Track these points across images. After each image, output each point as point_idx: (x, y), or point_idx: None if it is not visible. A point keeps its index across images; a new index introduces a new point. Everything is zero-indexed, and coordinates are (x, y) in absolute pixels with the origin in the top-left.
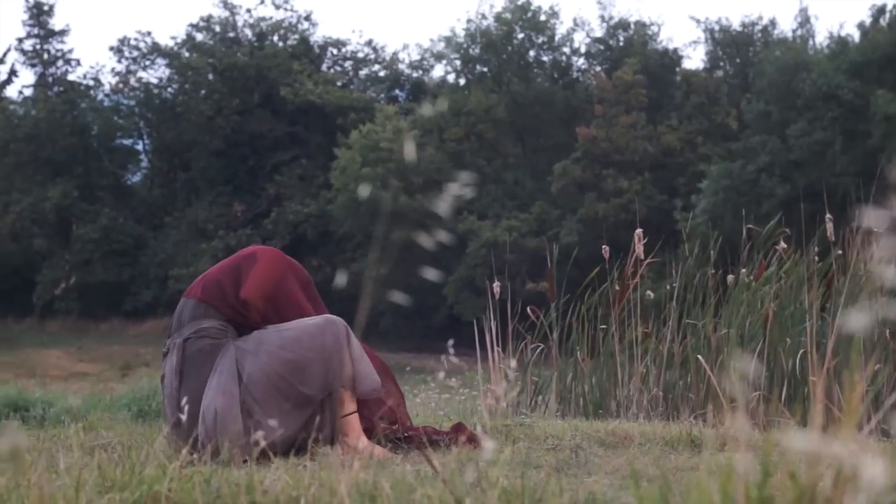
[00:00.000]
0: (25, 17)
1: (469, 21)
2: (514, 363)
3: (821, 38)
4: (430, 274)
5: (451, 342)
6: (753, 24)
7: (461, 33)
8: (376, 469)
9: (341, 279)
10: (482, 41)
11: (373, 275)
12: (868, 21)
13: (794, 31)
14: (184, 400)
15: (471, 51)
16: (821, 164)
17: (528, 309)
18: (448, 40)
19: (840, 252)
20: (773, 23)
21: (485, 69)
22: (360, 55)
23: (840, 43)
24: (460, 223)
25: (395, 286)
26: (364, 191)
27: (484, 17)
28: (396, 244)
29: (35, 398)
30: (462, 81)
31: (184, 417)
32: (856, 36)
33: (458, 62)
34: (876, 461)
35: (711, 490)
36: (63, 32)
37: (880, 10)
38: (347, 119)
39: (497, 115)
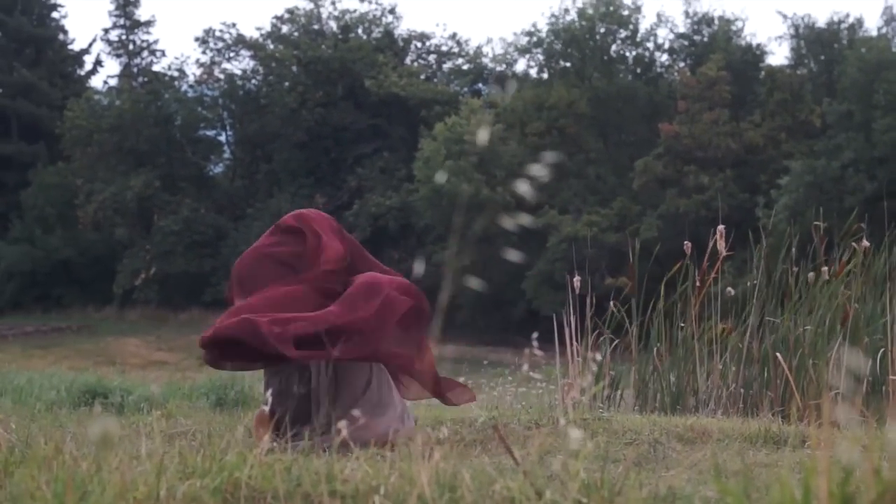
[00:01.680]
0: (112, 7)
1: (552, 16)
2: (598, 356)
3: None
4: (513, 255)
5: (535, 335)
6: (840, 21)
7: (544, 28)
8: (457, 460)
9: (419, 268)
10: (565, 36)
11: (453, 265)
12: None
13: (879, 30)
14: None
15: (554, 45)
16: None
17: (612, 302)
18: (531, 35)
19: None
20: (859, 21)
21: (567, 64)
22: (444, 48)
23: None
24: (540, 217)
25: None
26: (441, 177)
27: (567, 11)
28: (476, 234)
29: (114, 385)
30: (545, 76)
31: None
32: None
33: (540, 57)
34: None
35: (793, 486)
36: (148, 23)
37: None
38: (431, 112)
39: (579, 109)
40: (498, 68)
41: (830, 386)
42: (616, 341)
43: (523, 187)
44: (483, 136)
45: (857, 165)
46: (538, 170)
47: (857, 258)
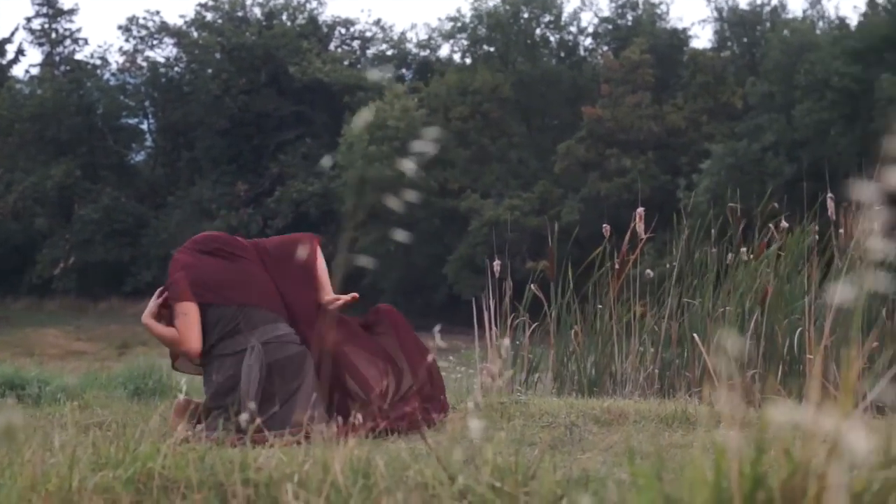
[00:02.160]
0: None
1: (476, 0)
2: (507, 342)
3: (829, 19)
4: (400, 235)
5: (437, 328)
6: (762, 4)
7: (468, 13)
8: (371, 446)
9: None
10: (489, 20)
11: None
12: (862, 3)
13: (804, 12)
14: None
15: (478, 30)
16: (824, 143)
17: (531, 286)
18: (455, 20)
19: (841, 231)
20: (781, 4)
21: (491, 49)
22: (368, 34)
23: (840, 27)
24: (462, 201)
25: (394, 264)
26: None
27: None
28: (387, 219)
29: (31, 376)
30: (468, 61)
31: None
32: (854, 20)
33: (464, 41)
34: (868, 437)
35: (705, 467)
36: (71, 12)
37: None
38: (355, 98)
39: (503, 94)
40: (422, 54)
41: (714, 367)
42: (535, 325)
43: (408, 164)
44: (366, 117)
45: (778, 148)
46: (422, 146)
47: (776, 239)
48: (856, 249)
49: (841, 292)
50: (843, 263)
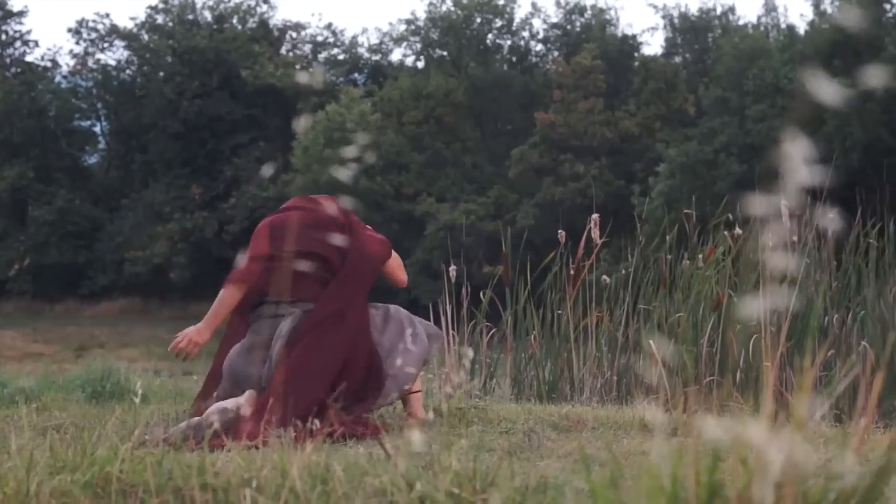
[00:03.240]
0: None
1: (430, 3)
2: (471, 352)
3: (779, 26)
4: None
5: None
6: (711, 10)
7: (422, 17)
8: (329, 451)
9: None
10: (442, 24)
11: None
12: (810, 10)
13: (758, 18)
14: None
15: (430, 34)
16: (776, 148)
17: (484, 291)
18: (409, 23)
19: (795, 239)
20: (731, 10)
21: (444, 53)
22: (320, 38)
23: (788, 34)
24: (418, 205)
25: None
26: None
27: (444, 0)
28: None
29: None
30: (421, 65)
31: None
32: (802, 28)
33: (418, 45)
34: (824, 447)
35: (662, 475)
36: (21, 13)
37: None
38: (308, 102)
39: (456, 98)
40: (374, 58)
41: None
42: (493, 330)
43: (342, 172)
44: (362, 137)
45: (730, 149)
46: (354, 151)
47: (726, 245)
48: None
49: (747, 307)
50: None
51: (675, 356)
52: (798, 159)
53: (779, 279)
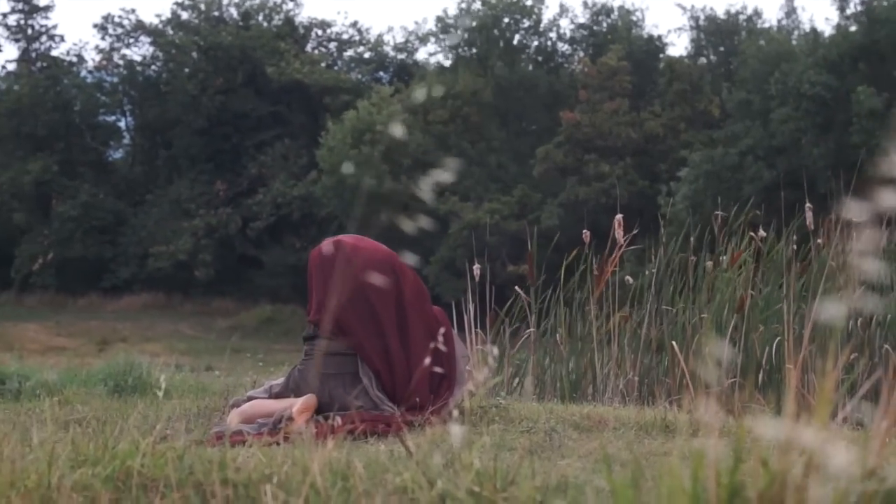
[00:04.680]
0: None
1: (461, 3)
2: (495, 350)
3: (805, 29)
4: (410, 259)
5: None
6: (738, 13)
7: (452, 14)
8: (350, 448)
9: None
10: (472, 24)
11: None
12: (836, 14)
13: (779, 22)
14: None
15: (458, 33)
16: (800, 152)
17: (516, 287)
18: (440, 20)
19: (819, 241)
20: (757, 12)
21: (472, 51)
22: (345, 36)
23: (813, 39)
24: (442, 204)
25: None
26: (348, 168)
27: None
28: (377, 226)
29: (11, 371)
30: (448, 63)
31: None
32: (827, 31)
33: (447, 43)
34: (846, 450)
35: (683, 475)
36: (47, 8)
37: (842, 1)
38: (337, 100)
39: (483, 98)
40: (399, 57)
41: (697, 378)
42: (518, 328)
43: (425, 191)
44: (398, 129)
45: (756, 153)
46: (440, 175)
47: (752, 247)
48: (842, 268)
49: (828, 310)
50: (822, 275)
51: (729, 357)
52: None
53: (865, 284)
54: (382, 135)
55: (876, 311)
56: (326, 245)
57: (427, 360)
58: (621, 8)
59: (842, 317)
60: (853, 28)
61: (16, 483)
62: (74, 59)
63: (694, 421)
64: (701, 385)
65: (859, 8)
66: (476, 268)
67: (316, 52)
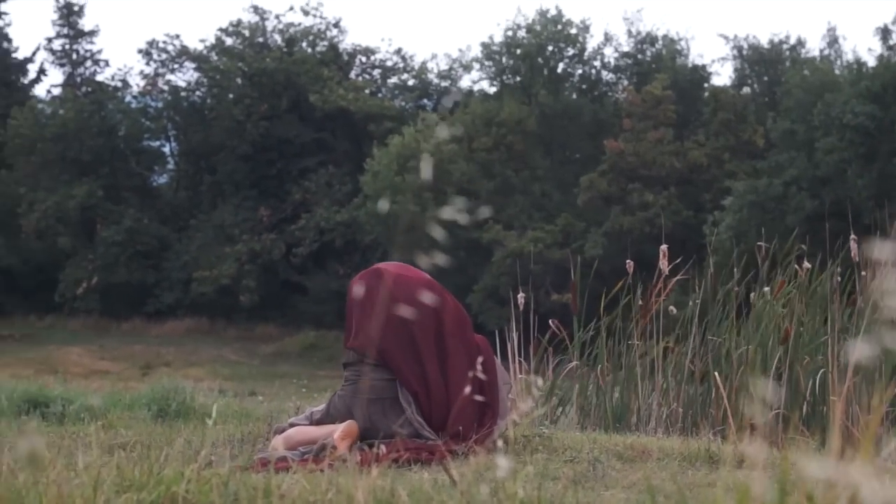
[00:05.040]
0: (55, 16)
1: (506, 30)
2: (540, 381)
3: (847, 59)
4: (440, 258)
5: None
6: (782, 42)
7: (498, 41)
8: (394, 476)
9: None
10: (516, 52)
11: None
12: (879, 44)
13: (821, 52)
14: None
15: (503, 60)
16: (845, 182)
17: (551, 322)
18: (485, 46)
19: (864, 274)
20: (801, 42)
21: (517, 79)
22: (389, 63)
23: (856, 69)
24: (485, 232)
25: None
26: (384, 205)
27: (519, 27)
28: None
29: (55, 395)
30: (492, 90)
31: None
32: (870, 62)
33: (491, 69)
34: (891, 486)
35: None
36: (92, 33)
37: (885, 31)
38: (381, 126)
39: (527, 126)
40: (443, 84)
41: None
42: (563, 359)
43: (437, 231)
44: (427, 169)
45: (800, 184)
46: (451, 213)
47: (798, 278)
48: (873, 306)
49: (860, 349)
50: (861, 316)
51: (774, 392)
52: None
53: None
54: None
55: None
56: (367, 273)
57: (467, 389)
58: (665, 37)
59: (873, 355)
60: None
61: None
62: (119, 84)
63: (738, 453)
64: (745, 418)
65: None
66: (520, 296)
67: (360, 78)
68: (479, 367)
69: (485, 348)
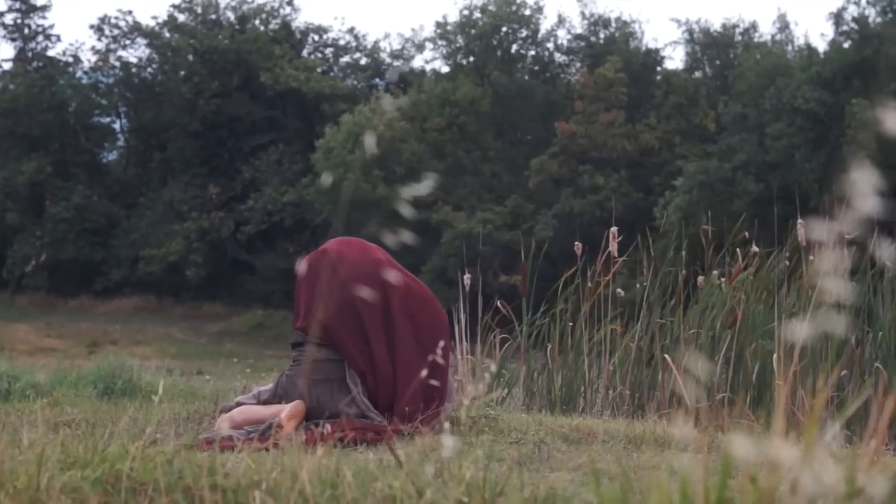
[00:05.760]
0: None
1: (462, 10)
2: (493, 365)
3: (799, 44)
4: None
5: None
6: (734, 26)
7: (452, 22)
8: (339, 456)
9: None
10: (470, 32)
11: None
12: (830, 29)
13: (773, 37)
14: None
15: (457, 40)
16: (793, 167)
17: (499, 301)
18: (440, 25)
19: (811, 258)
20: (753, 26)
21: (470, 59)
22: (342, 42)
23: (808, 55)
24: (434, 213)
25: None
26: (327, 179)
27: (475, 7)
28: (366, 234)
29: (1, 371)
30: (444, 70)
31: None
32: (822, 47)
33: (444, 50)
34: (834, 469)
35: (671, 490)
36: (44, 8)
37: (837, 16)
38: (333, 107)
39: (482, 107)
40: (395, 63)
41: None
42: (510, 340)
43: (404, 207)
44: (370, 144)
45: (749, 168)
46: (417, 190)
47: (750, 264)
48: (818, 290)
49: (799, 330)
50: (805, 297)
51: (709, 372)
52: (863, 188)
53: (832, 304)
54: (378, 140)
55: (840, 331)
56: (316, 253)
57: (424, 373)
58: (619, 20)
59: (812, 337)
60: (846, 45)
61: (5, 484)
62: (70, 60)
63: (684, 436)
64: (686, 400)
65: (853, 25)
66: (467, 277)
67: (312, 57)
68: (439, 350)
69: (443, 329)
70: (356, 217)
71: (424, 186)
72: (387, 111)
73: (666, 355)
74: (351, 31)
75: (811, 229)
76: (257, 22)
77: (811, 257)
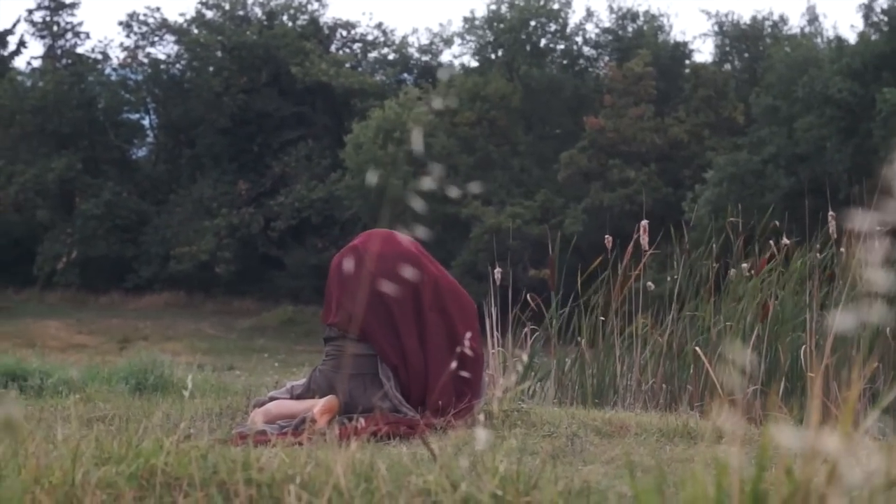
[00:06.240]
0: None
1: (489, 4)
2: (524, 356)
3: (828, 36)
4: (421, 231)
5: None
6: (764, 19)
7: (480, 17)
8: (373, 450)
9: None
10: (499, 26)
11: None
12: (860, 21)
13: (802, 29)
14: None
15: (487, 34)
16: (823, 159)
17: (528, 296)
18: (468, 21)
19: (842, 250)
20: (783, 18)
21: (499, 53)
22: (370, 37)
23: (837, 46)
24: (464, 207)
25: None
26: (372, 177)
27: (502, 1)
28: (399, 229)
29: (33, 368)
30: (474, 65)
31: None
32: (852, 38)
33: (473, 45)
34: (870, 460)
35: (706, 482)
36: (73, 5)
37: (868, 8)
38: (364, 102)
39: (512, 102)
40: (423, 59)
41: (720, 385)
42: (539, 334)
43: (417, 202)
44: (417, 141)
45: (778, 161)
46: (429, 183)
47: (779, 256)
48: (854, 278)
49: (841, 321)
50: (842, 288)
51: (753, 364)
52: None
53: (874, 294)
54: (408, 135)
55: (882, 321)
56: (348, 249)
57: (454, 365)
58: (647, 13)
59: (854, 328)
60: (875, 36)
61: (40, 480)
62: (99, 57)
63: (717, 428)
64: (724, 392)
65: (883, 17)
66: (497, 272)
67: (340, 52)
68: (466, 342)
69: (472, 321)
70: (389, 212)
71: (474, 186)
72: (433, 106)
73: (697, 348)
74: (379, 26)
75: (845, 220)
76: (285, 18)
77: (842, 249)
